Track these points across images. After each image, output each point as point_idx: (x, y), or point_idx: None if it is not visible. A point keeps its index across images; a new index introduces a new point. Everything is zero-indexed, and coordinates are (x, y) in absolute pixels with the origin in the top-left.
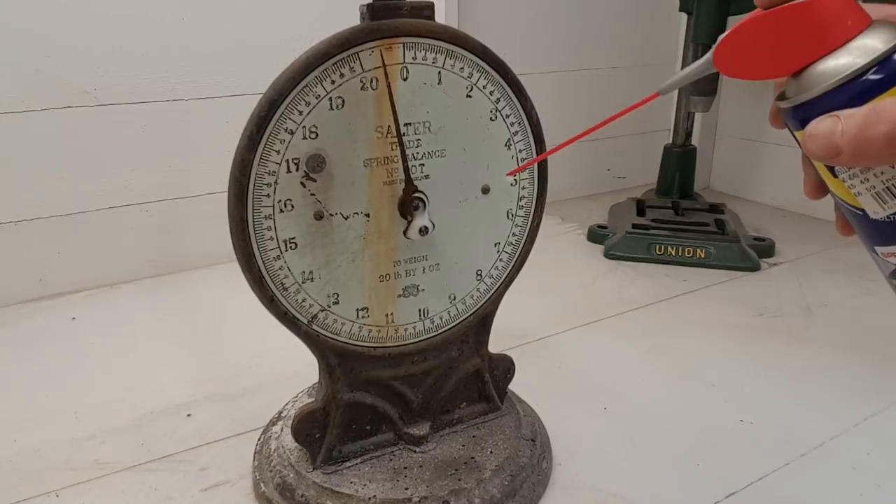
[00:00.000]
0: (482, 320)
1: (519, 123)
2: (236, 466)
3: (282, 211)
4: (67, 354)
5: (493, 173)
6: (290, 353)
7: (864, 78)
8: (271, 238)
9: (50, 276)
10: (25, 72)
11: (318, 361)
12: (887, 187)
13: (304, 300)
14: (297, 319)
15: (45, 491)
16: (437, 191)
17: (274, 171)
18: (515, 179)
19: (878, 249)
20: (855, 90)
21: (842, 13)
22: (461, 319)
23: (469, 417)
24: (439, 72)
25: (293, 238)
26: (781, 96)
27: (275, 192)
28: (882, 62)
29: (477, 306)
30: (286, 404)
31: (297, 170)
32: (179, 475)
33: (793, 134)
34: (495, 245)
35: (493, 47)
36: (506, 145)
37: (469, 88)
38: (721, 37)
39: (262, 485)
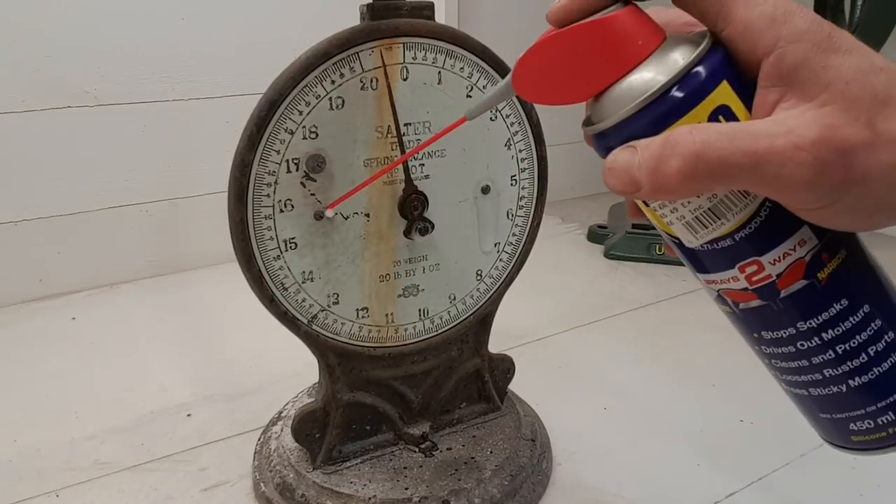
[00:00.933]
0: (482, 320)
1: (519, 123)
2: (236, 466)
3: (282, 211)
4: (67, 354)
5: (493, 173)
6: (290, 353)
7: (658, 102)
8: (271, 238)
9: (50, 276)
10: (25, 72)
11: (318, 361)
12: (696, 217)
13: (304, 300)
14: (297, 319)
15: (45, 491)
16: (437, 191)
17: (274, 171)
18: (515, 179)
19: (700, 276)
20: (650, 116)
21: (633, 31)
22: (461, 319)
23: (469, 417)
24: (439, 72)
25: (293, 238)
26: (588, 121)
27: (275, 192)
28: (678, 83)
29: (477, 306)
30: (286, 404)
31: (297, 170)
32: (179, 475)
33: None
34: (495, 245)
35: (493, 47)
36: (506, 145)
37: (469, 88)
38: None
39: (262, 485)
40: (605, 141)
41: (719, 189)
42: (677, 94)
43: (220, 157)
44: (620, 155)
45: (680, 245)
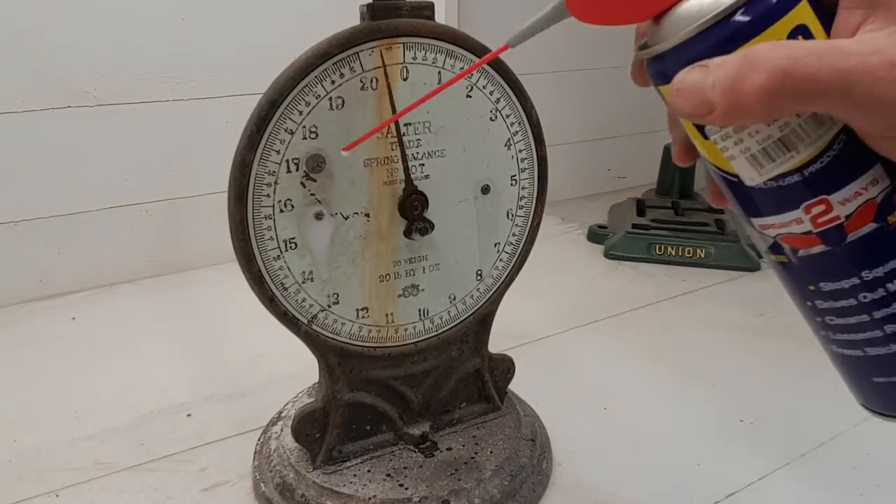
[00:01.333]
0: (482, 320)
1: (519, 123)
2: (236, 466)
3: (282, 211)
4: (67, 354)
5: (493, 173)
6: (290, 353)
7: (734, 18)
8: (271, 238)
9: (50, 276)
10: (25, 72)
11: (318, 361)
12: (763, 148)
13: (304, 300)
14: (297, 319)
15: (45, 491)
16: (437, 191)
17: (274, 171)
18: (515, 179)
19: (755, 221)
20: (724, 33)
21: None
22: (461, 319)
23: (469, 417)
24: (439, 72)
25: (293, 238)
26: (644, 46)
27: (275, 192)
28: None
29: (477, 306)
30: (286, 404)
31: (297, 170)
32: (179, 475)
33: (658, 91)
34: (495, 245)
35: (493, 47)
36: (506, 145)
37: (469, 88)
38: None
39: (262, 485)
40: (664, 65)
41: (802, 109)
42: (755, 10)
43: (220, 157)
44: (690, 74)
45: (737, 185)
